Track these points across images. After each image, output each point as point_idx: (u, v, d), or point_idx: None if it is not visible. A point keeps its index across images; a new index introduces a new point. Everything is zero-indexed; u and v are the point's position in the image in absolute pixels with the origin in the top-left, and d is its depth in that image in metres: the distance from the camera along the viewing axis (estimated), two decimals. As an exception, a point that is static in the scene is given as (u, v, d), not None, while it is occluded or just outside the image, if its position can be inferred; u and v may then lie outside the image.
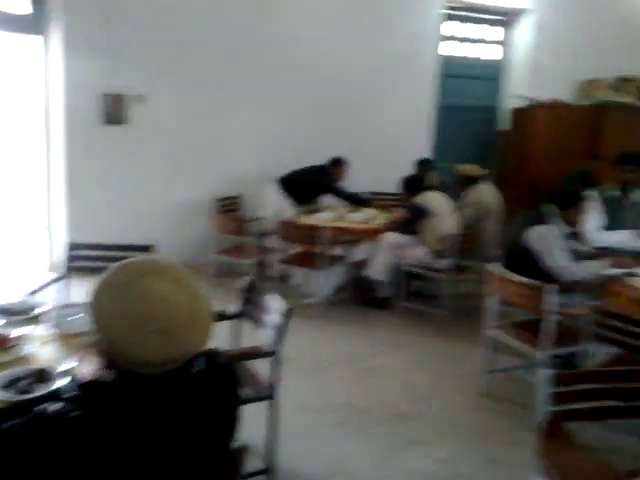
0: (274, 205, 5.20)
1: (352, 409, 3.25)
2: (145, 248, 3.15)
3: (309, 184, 5.28)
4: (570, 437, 2.07)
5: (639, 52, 7.24)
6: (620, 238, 4.03)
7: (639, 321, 2.75)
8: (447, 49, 6.85)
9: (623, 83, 7.13)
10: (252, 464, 2.22)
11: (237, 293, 2.73)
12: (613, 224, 4.07)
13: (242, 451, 1.59)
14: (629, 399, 2.04)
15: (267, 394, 2.46)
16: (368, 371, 3.74)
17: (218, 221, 5.10)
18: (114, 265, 1.22)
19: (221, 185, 5.59)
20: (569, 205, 3.59)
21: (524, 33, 6.99)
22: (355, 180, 5.57)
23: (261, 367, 2.56)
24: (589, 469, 1.91)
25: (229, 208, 5.53)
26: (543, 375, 1.98)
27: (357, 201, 5.36)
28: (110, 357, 1.19)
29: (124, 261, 1.24)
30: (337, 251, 4.90)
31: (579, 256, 3.63)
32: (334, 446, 2.89)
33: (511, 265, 3.52)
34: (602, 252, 3.72)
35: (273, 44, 5.68)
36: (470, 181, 5.07)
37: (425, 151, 6.39)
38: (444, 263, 4.45)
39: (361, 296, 4.88)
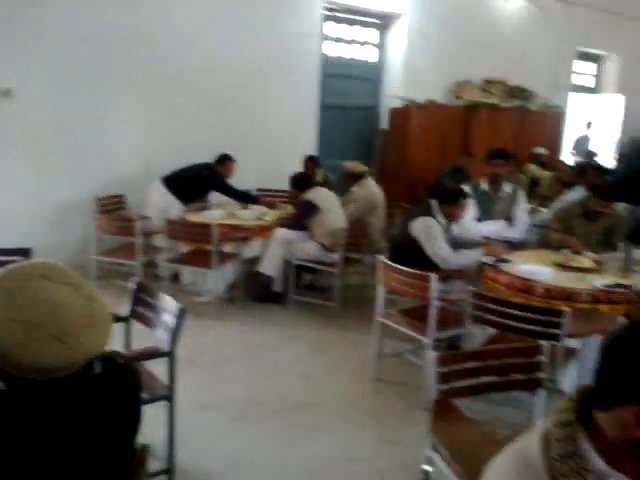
0: (160, 204, 5.06)
1: (251, 403, 3.28)
2: (24, 252, 2.95)
3: (196, 182, 5.20)
4: (457, 412, 2.24)
5: (502, 57, 7.89)
6: (492, 228, 4.39)
7: (512, 303, 3.02)
8: (329, 49, 7.03)
9: (489, 85, 7.73)
10: (152, 465, 2.17)
11: (125, 295, 2.66)
12: (485, 216, 4.42)
13: (144, 451, 1.57)
14: (504, 374, 2.24)
15: (164, 394, 2.42)
16: (265, 365, 3.77)
17: (100, 221, 4.87)
18: (-1, 270, 1.15)
19: (103, 183, 5.35)
20: (449, 200, 3.86)
21: (398, 36, 7.34)
22: (243, 177, 5.56)
23: (157, 368, 2.52)
24: (475, 439, 2.08)
25: (112, 207, 5.30)
26: (430, 357, 2.12)
27: (246, 198, 5.36)
28: (1, 365, 1.12)
29: (10, 266, 1.18)
30: (228, 248, 4.88)
31: (458, 246, 3.91)
32: (235, 441, 2.90)
33: (397, 256, 3.71)
34: (478, 242, 4.03)
35: (155, 39, 5.52)
36: (355, 177, 5.25)
37: (311, 149, 6.52)
38: (334, 257, 4.58)
39: (254, 292, 4.90)
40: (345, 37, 7.22)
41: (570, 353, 2.92)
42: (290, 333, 4.29)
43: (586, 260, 3.73)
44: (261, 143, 6.24)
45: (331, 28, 7.02)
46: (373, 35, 7.46)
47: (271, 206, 5.37)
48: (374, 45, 7.49)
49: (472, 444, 2.01)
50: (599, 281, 3.32)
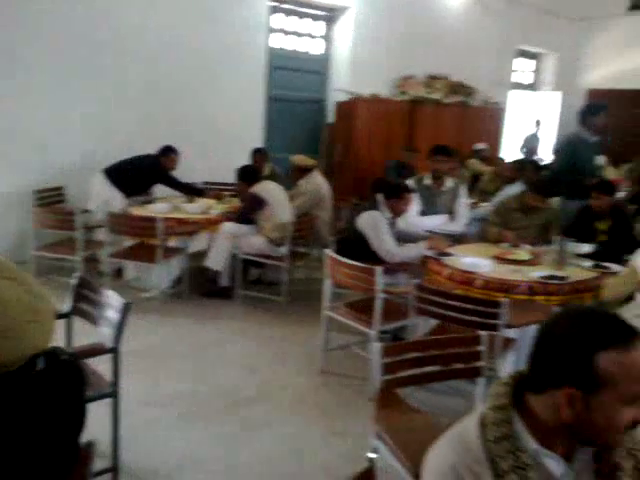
0: (102, 196, 4.94)
1: (198, 399, 3.26)
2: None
3: (139, 174, 5.09)
4: (401, 402, 2.31)
5: (445, 53, 8.06)
6: (435, 222, 4.50)
7: (453, 295, 3.12)
8: (276, 41, 7.01)
9: (433, 81, 7.89)
10: (98, 463, 2.14)
11: (66, 291, 2.60)
12: (428, 210, 4.53)
13: (88, 449, 1.55)
14: (447, 363, 2.33)
15: (108, 392, 2.39)
16: (212, 360, 3.76)
17: (38, 214, 4.70)
18: None
19: (40, 176, 5.16)
20: (394, 195, 3.93)
21: (345, 29, 7.38)
22: (189, 170, 5.49)
23: (101, 365, 2.47)
24: (417, 426, 2.15)
25: (51, 200, 5.12)
26: (375, 348, 2.18)
27: (192, 191, 5.30)
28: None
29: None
30: (173, 243, 4.82)
31: (402, 240, 4.00)
32: (181, 437, 2.88)
33: (343, 250, 3.76)
34: (422, 236, 4.13)
35: (96, 27, 5.35)
36: (303, 171, 5.27)
37: (258, 141, 6.50)
38: (281, 251, 4.59)
39: (201, 287, 4.86)
40: (292, 29, 7.20)
41: (508, 342, 3.04)
42: (237, 328, 4.29)
43: (523, 253, 3.89)
44: (207, 135, 6.16)
45: (278, 20, 6.99)
46: (320, 28, 7.47)
47: (218, 198, 5.32)
48: (321, 38, 7.51)
49: (415, 432, 2.08)
50: (535, 273, 3.46)
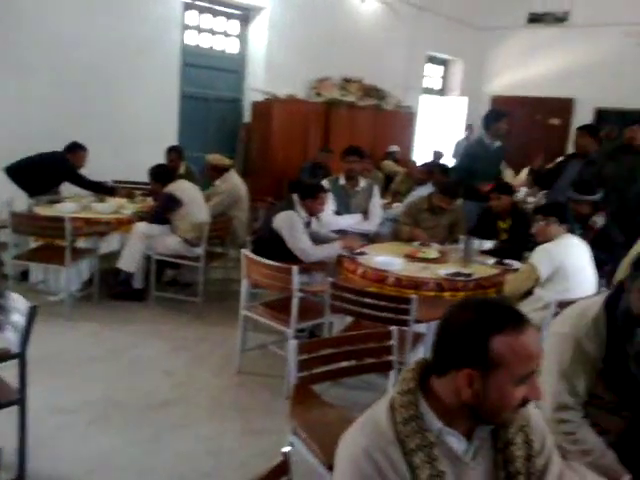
0: (3, 195, 4.67)
1: (111, 403, 3.18)
2: None
3: (43, 172, 4.86)
4: (316, 397, 2.37)
5: (359, 57, 8.25)
6: (350, 222, 4.62)
7: (366, 293, 3.22)
8: (191, 39, 6.90)
9: (347, 84, 8.06)
10: (2, 474, 2.05)
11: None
12: (343, 209, 4.64)
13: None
14: (360, 358, 2.41)
15: (14, 399, 2.29)
16: (126, 364, 3.67)
17: None
18: None
19: None
20: (309, 195, 3.99)
21: (260, 30, 7.39)
22: (101, 168, 5.30)
23: (7, 372, 2.37)
24: (331, 420, 2.22)
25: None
26: (291, 346, 2.23)
27: (101, 189, 5.12)
28: None
29: None
30: (83, 244, 4.64)
31: (318, 239, 4.08)
32: (94, 444, 2.81)
33: (260, 249, 3.78)
34: (337, 236, 4.22)
35: (4, 22, 5.05)
36: (219, 171, 5.23)
37: (173, 140, 6.38)
38: (197, 251, 4.54)
39: (113, 289, 4.71)
40: (207, 27, 7.12)
41: (418, 337, 3.18)
42: (152, 331, 4.20)
43: (432, 251, 4.08)
44: (118, 133, 5.97)
45: (192, 17, 6.89)
46: (235, 27, 7.43)
47: (129, 197, 5.18)
48: (236, 37, 7.47)
49: (329, 425, 2.14)
50: (443, 271, 3.64)
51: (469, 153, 5.47)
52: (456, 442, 1.24)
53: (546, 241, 3.34)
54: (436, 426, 1.23)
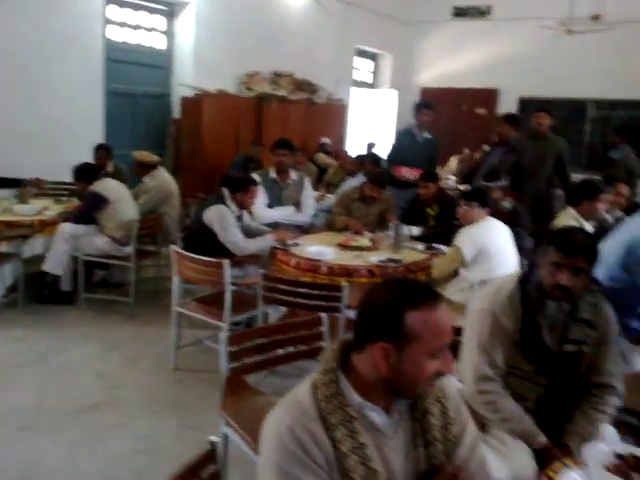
0: None
1: (41, 409, 3.09)
2: None
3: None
4: (248, 388, 2.37)
5: (289, 51, 8.25)
6: (282, 214, 4.63)
7: (298, 282, 3.25)
8: (116, 34, 6.71)
9: (278, 78, 8.04)
10: None
11: None
12: (275, 202, 4.65)
13: None
14: (290, 346, 2.43)
15: None
16: (55, 368, 3.56)
17: None
18: None
19: None
20: (239, 188, 3.98)
21: (186, 25, 7.26)
22: (21, 167, 5.08)
23: None
24: (262, 409, 2.22)
25: None
26: (221, 338, 2.22)
27: (5, 183, 4.89)
28: None
29: None
30: (4, 248, 4.44)
31: (250, 232, 4.07)
32: (23, 450, 2.72)
33: (191, 245, 3.74)
34: (269, 229, 4.22)
35: None
36: (147, 167, 5.11)
37: (99, 138, 6.18)
38: (126, 250, 4.44)
39: (39, 293, 4.54)
40: (131, 22, 6.93)
41: (350, 322, 3.23)
42: (82, 333, 4.08)
43: (364, 240, 4.16)
44: (41, 131, 5.72)
45: (115, 12, 6.69)
46: (161, 22, 7.27)
47: (39, 187, 4.97)
48: (162, 32, 7.31)
49: (259, 413, 2.12)
50: (375, 258, 3.72)
51: (397, 143, 5.60)
52: (376, 416, 1.29)
53: (470, 224, 3.46)
54: (356, 401, 1.27)
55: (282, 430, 1.23)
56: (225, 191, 3.96)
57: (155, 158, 5.20)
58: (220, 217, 3.83)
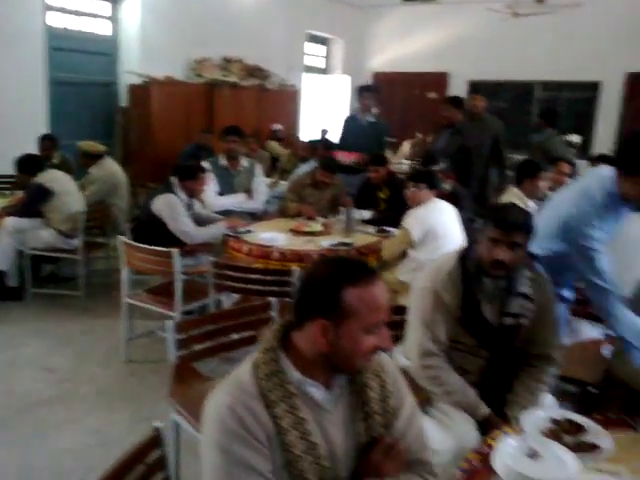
0: None
1: (-13, 408, 3.01)
2: None
3: None
4: (197, 375, 2.37)
5: (239, 36, 8.15)
6: (233, 201, 4.60)
7: (250, 269, 3.25)
8: (57, 21, 6.48)
9: (228, 64, 7.94)
10: None
11: None
12: (226, 190, 4.61)
13: None
14: (239, 332, 2.44)
15: None
16: (3, 366, 3.47)
17: None
18: None
19: None
20: (188, 176, 3.92)
21: (132, 10, 7.08)
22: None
23: None
24: (209, 394, 2.23)
25: None
26: (168, 325, 2.21)
27: None
28: None
29: None
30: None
31: (201, 221, 4.03)
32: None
33: (141, 235, 3.69)
34: (220, 217, 4.19)
35: None
36: (93, 158, 4.98)
37: (43, 128, 5.99)
38: (74, 243, 4.34)
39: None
40: (73, 8, 6.71)
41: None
42: (31, 329, 3.99)
43: (316, 225, 4.18)
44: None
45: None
46: (105, 7, 7.07)
47: None
48: (107, 18, 7.11)
49: (206, 398, 2.15)
50: (326, 242, 3.75)
51: (343, 128, 5.66)
52: (316, 391, 1.31)
53: (417, 206, 3.52)
54: (296, 378, 1.29)
55: (222, 410, 1.25)
56: (174, 179, 3.91)
57: (101, 148, 5.07)
58: (169, 206, 3.78)
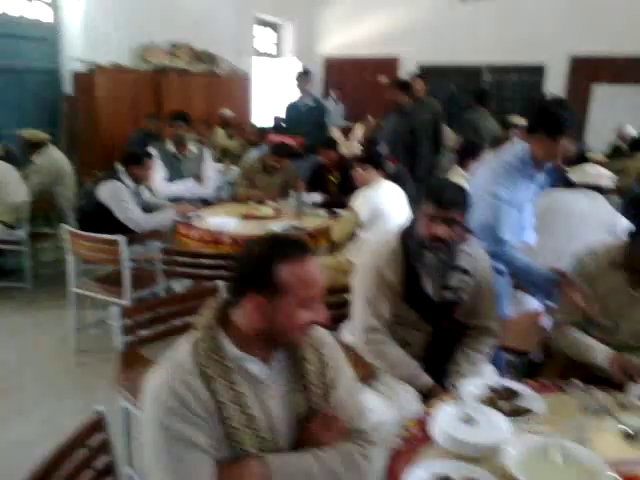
0: None
1: None
2: None
3: None
4: (144, 361, 2.36)
5: (185, 21, 7.99)
6: (183, 188, 4.56)
7: (200, 254, 3.25)
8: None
9: (175, 49, 7.79)
10: None
11: None
12: (174, 176, 4.56)
13: None
14: (187, 317, 2.43)
15: None
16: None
17: None
18: None
19: None
20: (133, 162, 3.87)
21: (75, -5, 6.86)
22: None
23: None
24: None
25: None
26: (113, 312, 2.19)
27: None
28: None
29: None
30: None
31: (149, 208, 3.98)
32: None
33: (88, 224, 3.63)
34: (169, 203, 4.14)
35: None
36: (35, 146, 4.84)
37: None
38: (19, 234, 4.23)
39: None
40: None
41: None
42: (-24, 323, 3.89)
43: (267, 209, 4.19)
44: None
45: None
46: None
47: None
48: (47, 3, 6.86)
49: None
50: (277, 226, 3.77)
51: (285, 114, 5.71)
52: (254, 366, 1.34)
53: (365, 187, 3.56)
54: (234, 354, 1.32)
55: (159, 387, 1.27)
56: (118, 166, 3.84)
57: (43, 136, 4.92)
58: (114, 193, 3.72)
